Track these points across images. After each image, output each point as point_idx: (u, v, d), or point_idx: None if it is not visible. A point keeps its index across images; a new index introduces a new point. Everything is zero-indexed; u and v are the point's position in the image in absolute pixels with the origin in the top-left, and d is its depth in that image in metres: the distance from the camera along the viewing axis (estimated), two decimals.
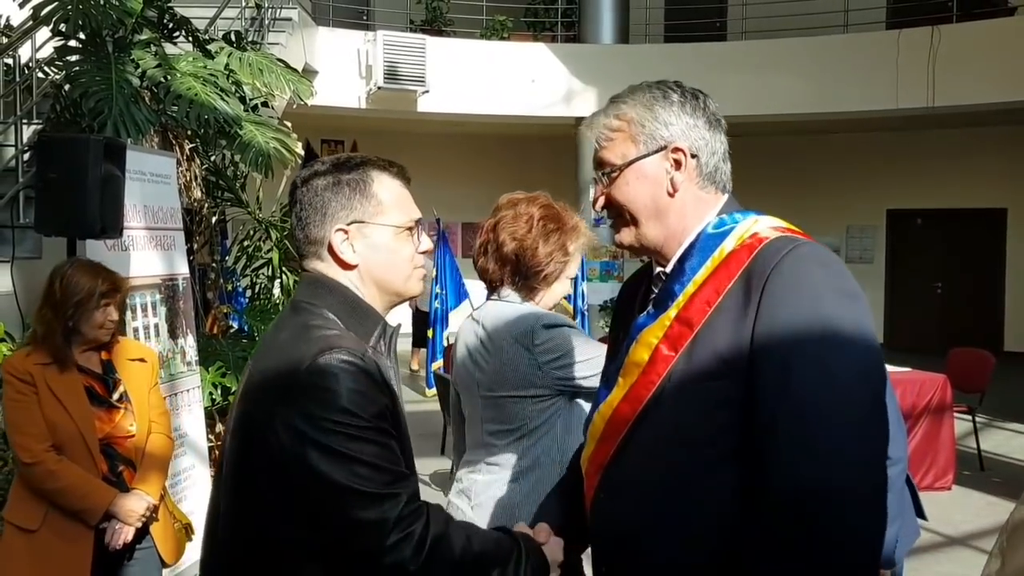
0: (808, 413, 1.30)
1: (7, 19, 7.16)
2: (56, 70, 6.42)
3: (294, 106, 7.53)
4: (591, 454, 1.57)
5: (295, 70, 6.52)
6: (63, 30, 5.15)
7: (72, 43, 5.32)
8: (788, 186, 12.84)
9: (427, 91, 11.37)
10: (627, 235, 1.55)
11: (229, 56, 5.92)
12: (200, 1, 7.64)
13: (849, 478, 1.27)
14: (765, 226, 1.49)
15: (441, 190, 14.10)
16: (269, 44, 8.69)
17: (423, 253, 1.63)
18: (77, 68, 5.14)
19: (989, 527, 5.24)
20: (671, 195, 1.51)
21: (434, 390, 9.55)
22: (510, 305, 2.38)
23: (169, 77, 5.30)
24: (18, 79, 5.85)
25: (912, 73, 10.70)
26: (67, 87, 5.33)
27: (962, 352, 7.35)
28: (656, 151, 1.52)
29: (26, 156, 5.41)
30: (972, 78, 10.44)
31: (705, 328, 1.42)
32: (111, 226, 3.50)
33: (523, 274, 2.38)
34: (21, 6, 5.00)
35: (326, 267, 1.59)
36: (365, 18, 13.16)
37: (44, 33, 6.04)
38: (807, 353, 1.33)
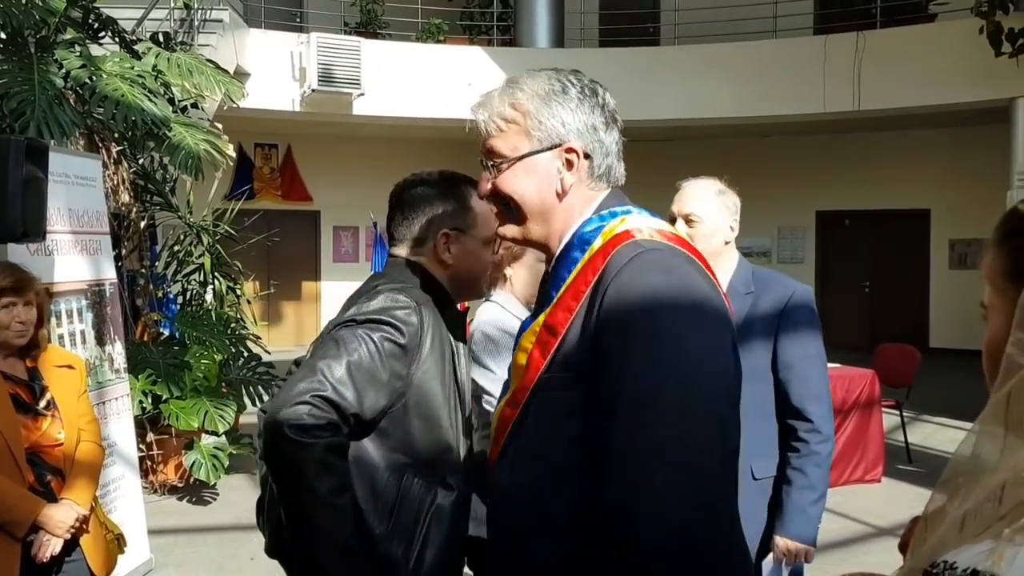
0: (635, 436, 1.27)
1: None
2: None
3: (225, 108, 7.40)
4: (490, 454, 1.56)
5: (225, 71, 6.41)
6: None
7: None
8: None
9: (362, 94, 11.28)
10: (511, 229, 1.52)
11: (157, 57, 5.80)
12: (127, 2, 7.46)
13: (657, 501, 1.24)
14: (633, 224, 1.43)
15: (378, 194, 13.95)
16: (199, 46, 8.53)
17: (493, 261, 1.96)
18: None
19: None
20: (560, 196, 1.47)
21: None
22: None
23: (94, 78, 5.16)
24: None
25: (838, 77, 10.99)
26: None
27: (889, 348, 7.56)
28: (549, 148, 1.46)
29: None
30: (896, 82, 10.77)
31: (565, 336, 1.39)
32: (33, 230, 3.38)
33: None
34: None
35: (426, 261, 1.88)
36: (298, 20, 13.01)
37: None
38: (633, 367, 1.29)
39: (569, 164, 1.46)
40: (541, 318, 1.44)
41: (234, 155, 5.95)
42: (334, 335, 1.68)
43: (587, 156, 1.47)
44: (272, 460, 1.62)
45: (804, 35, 12.07)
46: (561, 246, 1.47)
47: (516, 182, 1.47)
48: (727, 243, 2.55)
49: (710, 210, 2.52)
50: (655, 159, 14.15)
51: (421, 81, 11.63)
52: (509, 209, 1.50)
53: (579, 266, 1.41)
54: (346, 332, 1.67)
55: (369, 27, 12.51)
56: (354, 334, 1.66)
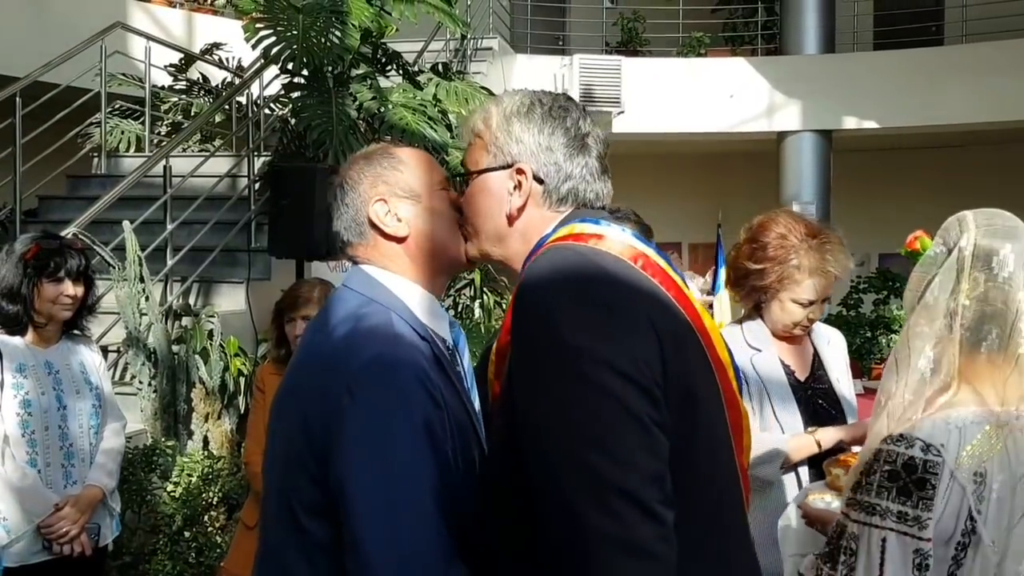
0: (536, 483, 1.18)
1: (239, 60, 7.86)
2: (280, 106, 6.95)
3: None
4: None
5: (496, 96, 6.71)
6: (290, 68, 5.57)
7: (297, 80, 5.75)
8: (1020, 198, 11.77)
9: (622, 112, 11.37)
10: (471, 247, 1.48)
11: (437, 86, 6.18)
12: (409, 36, 8.04)
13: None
14: (576, 231, 1.34)
15: (637, 210, 13.95)
16: (472, 74, 9.00)
17: None
18: (301, 103, 5.54)
19: None
20: (511, 221, 1.41)
21: None
22: None
23: (383, 108, 5.60)
24: (250, 115, 6.37)
25: None
26: (293, 121, 5.75)
27: None
28: (503, 167, 1.42)
29: (257, 186, 5.88)
30: None
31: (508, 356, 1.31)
32: (334, 249, 3.72)
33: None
34: (253, 47, 5.44)
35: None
36: (561, 43, 13.37)
37: (270, 73, 6.57)
38: (523, 393, 1.20)
39: (519, 186, 1.39)
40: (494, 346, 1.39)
41: None
42: None
43: (539, 180, 1.40)
44: None
45: None
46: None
47: (472, 200, 1.45)
48: None
49: None
50: (943, 168, 13.05)
51: (681, 96, 11.52)
52: (465, 227, 1.49)
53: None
54: None
55: (629, 45, 12.59)
56: None
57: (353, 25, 5.50)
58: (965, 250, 1.51)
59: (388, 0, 5.95)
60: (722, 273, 9.51)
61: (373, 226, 1.50)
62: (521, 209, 1.41)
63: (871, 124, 11.23)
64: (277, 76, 6.67)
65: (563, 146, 1.41)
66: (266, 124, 6.82)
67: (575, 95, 11.12)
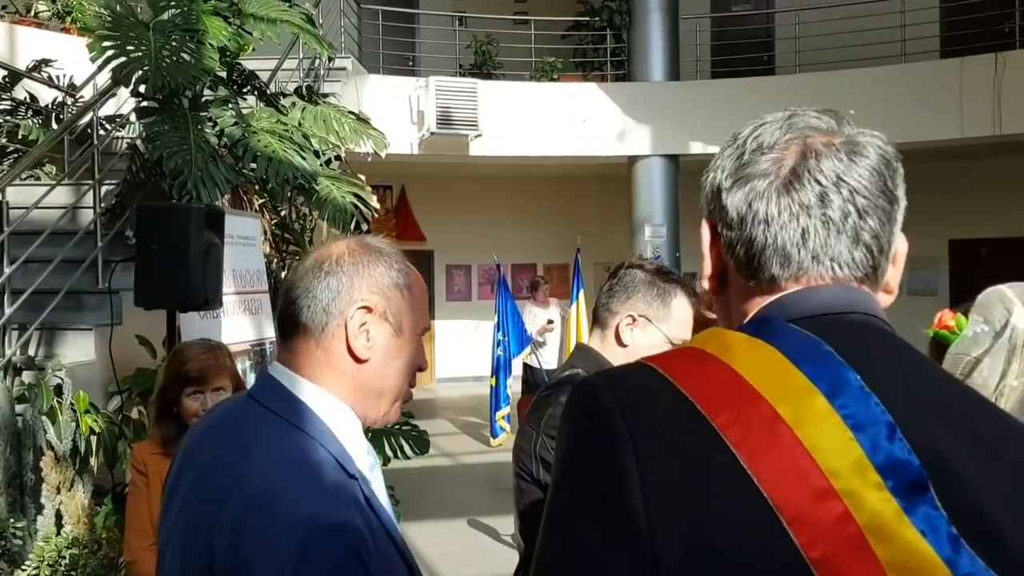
0: None
1: (71, 78, 7.15)
2: (118, 128, 6.36)
3: (369, 159, 7.43)
4: None
5: (367, 121, 6.41)
6: (142, 91, 5.07)
7: (148, 104, 5.25)
8: None
9: (479, 135, 11.28)
10: None
11: (303, 111, 5.83)
12: (259, 55, 7.59)
13: None
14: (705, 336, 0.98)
15: (491, 232, 14.00)
16: (324, 94, 8.63)
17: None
18: (154, 129, 5.06)
19: None
20: (709, 296, 1.06)
21: (500, 439, 9.34)
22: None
23: (247, 135, 5.20)
24: (95, 141, 5.78)
25: (976, 101, 10.43)
26: (145, 148, 5.24)
27: None
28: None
29: (104, 219, 5.31)
30: None
31: None
32: (213, 297, 3.36)
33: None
34: (100, 68, 4.92)
35: (609, 341, 2.02)
36: (411, 64, 13.16)
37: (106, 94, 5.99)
38: None
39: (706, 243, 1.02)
40: None
41: (378, 206, 5.91)
42: None
43: (715, 231, 0.97)
44: None
45: (934, 58, 11.52)
46: None
47: None
48: None
49: None
50: None
51: (537, 120, 11.57)
52: None
53: None
54: None
55: (483, 68, 12.54)
56: None
57: (210, 45, 5.08)
58: (1018, 328, 1.42)
59: (248, 19, 5.55)
60: (581, 294, 9.59)
61: (340, 328, 1.26)
62: (714, 280, 0.97)
63: (714, 150, 11.60)
64: (112, 95, 6.09)
65: (731, 171, 0.94)
66: (101, 145, 6.21)
67: (432, 117, 10.94)
